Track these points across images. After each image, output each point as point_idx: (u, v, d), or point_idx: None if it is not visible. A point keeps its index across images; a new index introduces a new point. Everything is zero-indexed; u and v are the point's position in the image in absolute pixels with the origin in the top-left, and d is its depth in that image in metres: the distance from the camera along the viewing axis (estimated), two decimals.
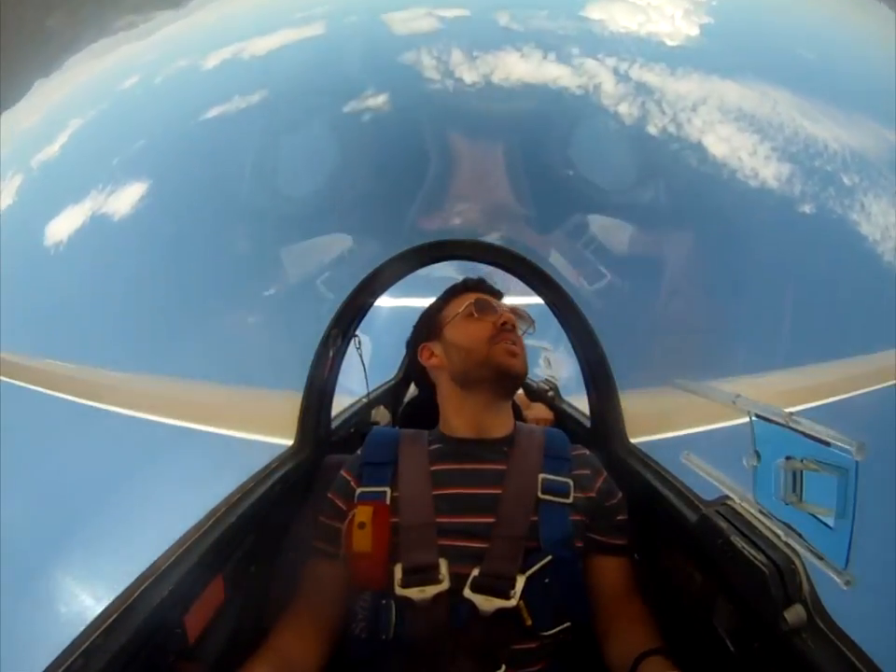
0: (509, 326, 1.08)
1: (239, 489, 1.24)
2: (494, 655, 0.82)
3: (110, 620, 0.78)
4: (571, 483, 0.98)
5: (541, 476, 0.97)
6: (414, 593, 0.85)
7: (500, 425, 1.08)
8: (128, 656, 0.75)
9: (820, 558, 0.67)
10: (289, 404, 1.60)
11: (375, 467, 1.02)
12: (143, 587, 0.86)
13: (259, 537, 1.20)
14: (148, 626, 0.80)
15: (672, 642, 1.02)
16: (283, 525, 1.27)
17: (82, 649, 0.73)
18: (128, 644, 0.76)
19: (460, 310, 1.13)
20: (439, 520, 0.92)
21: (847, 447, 0.62)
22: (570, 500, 0.96)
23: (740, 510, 0.86)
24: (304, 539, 1.07)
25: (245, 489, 1.25)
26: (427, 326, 1.20)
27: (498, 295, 1.20)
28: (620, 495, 1.07)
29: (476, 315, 1.10)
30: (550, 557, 0.87)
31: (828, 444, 0.65)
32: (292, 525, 1.25)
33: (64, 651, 0.72)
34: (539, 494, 0.95)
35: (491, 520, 0.92)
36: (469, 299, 1.14)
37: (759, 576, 0.73)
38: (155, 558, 0.93)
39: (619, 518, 1.03)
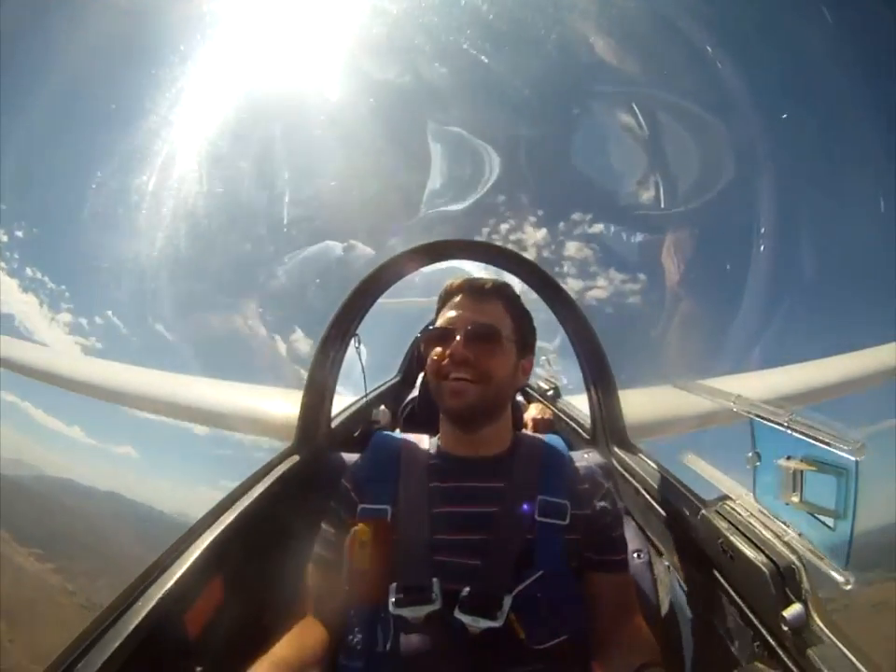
0: (456, 358, 1.00)
1: (239, 488, 1.25)
2: (487, 670, 0.83)
3: (111, 619, 0.79)
4: (568, 504, 0.97)
5: (539, 498, 0.97)
6: (408, 612, 0.86)
7: (491, 444, 1.06)
8: (128, 655, 0.76)
9: (820, 558, 0.67)
10: (289, 404, 1.60)
11: (377, 483, 1.02)
12: (143, 586, 0.87)
13: (259, 536, 1.20)
14: (148, 626, 0.80)
15: (672, 643, 1.02)
16: (283, 525, 1.27)
17: (82, 648, 0.73)
18: (128, 643, 0.76)
19: (431, 328, 1.08)
20: (435, 537, 0.93)
21: (847, 447, 0.62)
22: (567, 522, 0.96)
23: (740, 510, 0.87)
24: (304, 539, 1.08)
25: (245, 488, 1.25)
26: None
27: (486, 294, 1.08)
28: (617, 509, 1.06)
29: (434, 341, 1.05)
30: (541, 573, 0.88)
31: (828, 444, 0.65)
32: (292, 525, 1.25)
33: (65, 650, 0.72)
34: (536, 516, 0.95)
35: (486, 538, 0.92)
36: (447, 310, 1.08)
37: (759, 576, 0.73)
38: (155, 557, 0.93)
39: (614, 534, 1.03)
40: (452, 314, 1.06)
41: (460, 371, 0.99)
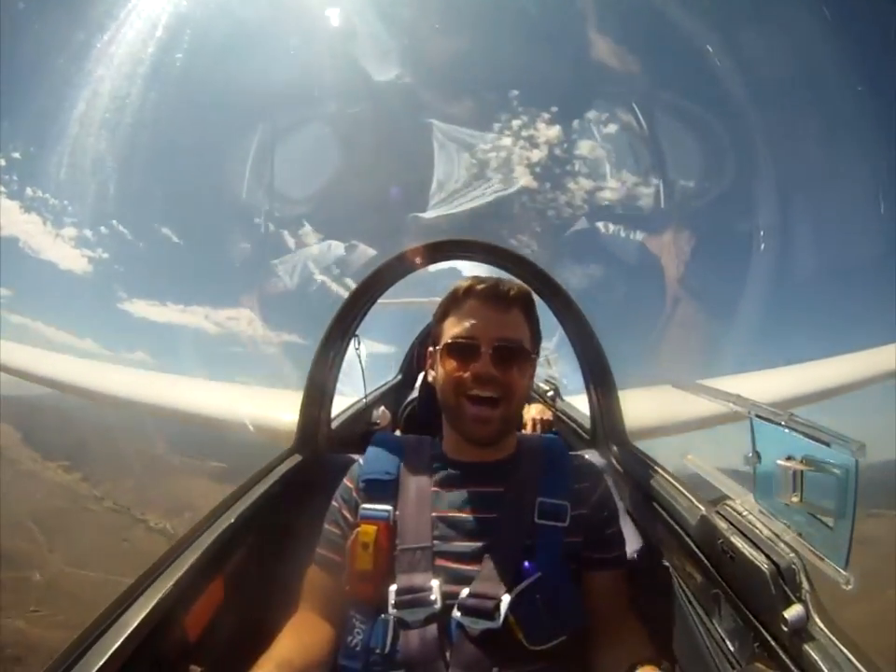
0: (483, 379, 0.94)
1: (239, 489, 1.25)
2: (487, 671, 0.83)
3: (110, 619, 0.79)
4: (568, 505, 0.97)
5: (539, 500, 0.97)
6: (407, 614, 0.86)
7: (497, 451, 1.04)
8: (128, 655, 0.76)
9: (821, 558, 0.67)
10: (290, 404, 1.60)
11: (378, 483, 1.02)
12: (143, 587, 0.87)
13: (259, 537, 1.20)
14: (149, 626, 0.80)
15: (672, 643, 1.02)
16: (283, 525, 1.27)
17: (82, 648, 0.73)
18: (128, 643, 0.76)
19: (448, 335, 0.99)
20: (436, 542, 0.93)
21: (847, 447, 0.61)
22: (566, 523, 0.96)
23: (740, 510, 0.86)
24: (304, 540, 1.08)
25: (246, 489, 1.25)
26: (433, 331, 1.08)
27: (509, 303, 1.00)
28: (614, 506, 1.06)
29: (456, 353, 0.97)
30: (539, 575, 0.88)
31: (828, 444, 0.65)
32: (292, 525, 1.25)
33: (65, 651, 0.72)
34: (536, 518, 0.95)
35: (486, 543, 0.92)
36: (464, 316, 0.99)
37: (759, 576, 0.73)
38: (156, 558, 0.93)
39: (609, 531, 1.03)
40: (472, 323, 0.98)
41: (485, 390, 0.95)
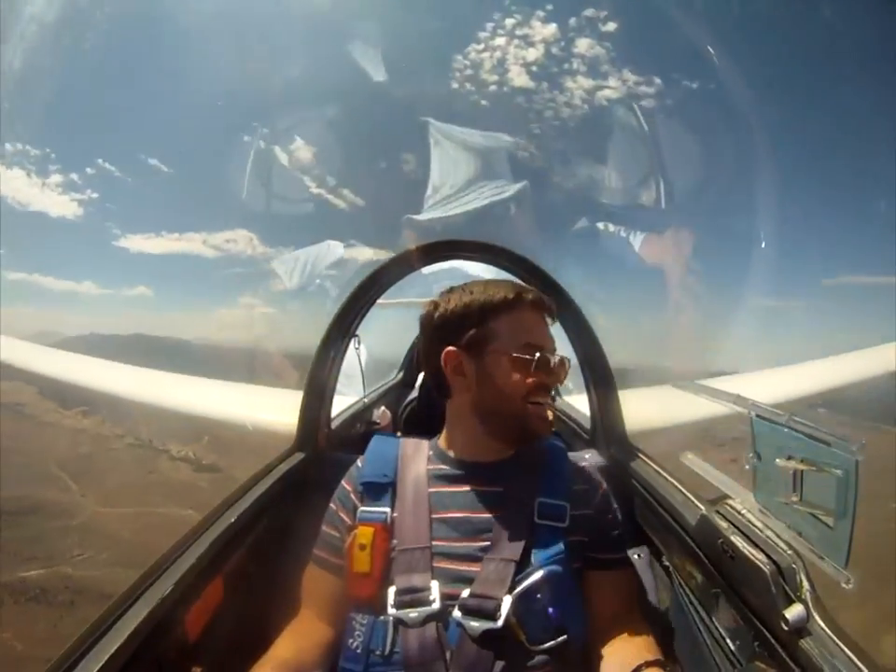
0: (549, 388, 1.03)
1: (239, 489, 1.25)
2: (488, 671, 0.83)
3: (111, 619, 0.79)
4: (568, 506, 0.98)
5: (538, 500, 0.97)
6: (407, 614, 0.86)
7: (495, 452, 1.05)
8: (128, 656, 0.76)
9: (821, 558, 0.67)
10: (290, 404, 1.60)
11: (376, 486, 1.02)
12: (143, 587, 0.87)
13: (259, 536, 1.21)
14: (148, 626, 0.80)
15: (672, 643, 1.02)
16: (283, 525, 1.27)
17: (83, 648, 0.73)
18: (128, 643, 0.76)
19: (516, 348, 0.98)
20: (435, 543, 0.93)
21: (847, 447, 0.62)
22: (566, 524, 0.96)
23: (740, 509, 0.87)
24: (304, 539, 1.08)
25: (245, 489, 1.25)
26: (466, 330, 1.00)
27: (551, 315, 1.08)
28: (615, 508, 1.07)
29: (529, 368, 0.98)
30: (540, 575, 0.88)
31: (828, 444, 0.65)
32: (293, 525, 1.25)
33: (65, 651, 0.72)
34: (536, 519, 0.96)
35: (485, 544, 0.92)
36: (526, 325, 1.01)
37: (759, 576, 0.73)
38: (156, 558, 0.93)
39: (614, 532, 1.03)
40: (542, 334, 1.03)
41: (546, 398, 1.02)
